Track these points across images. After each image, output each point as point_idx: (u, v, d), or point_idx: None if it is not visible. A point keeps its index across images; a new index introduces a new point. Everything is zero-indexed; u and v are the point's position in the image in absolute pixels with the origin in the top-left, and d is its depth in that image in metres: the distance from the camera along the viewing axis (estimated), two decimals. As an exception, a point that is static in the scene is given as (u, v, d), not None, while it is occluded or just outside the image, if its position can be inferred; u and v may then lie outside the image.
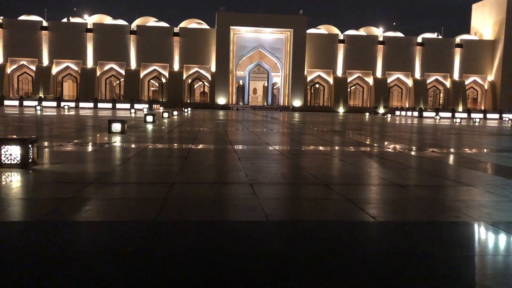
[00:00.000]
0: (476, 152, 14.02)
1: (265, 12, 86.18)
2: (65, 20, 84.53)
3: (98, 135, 16.53)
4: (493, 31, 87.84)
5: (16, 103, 63.58)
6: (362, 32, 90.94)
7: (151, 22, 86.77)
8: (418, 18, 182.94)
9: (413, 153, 13.13)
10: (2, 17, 79.89)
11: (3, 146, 7.73)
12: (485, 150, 14.90)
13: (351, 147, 14.20)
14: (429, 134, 24.21)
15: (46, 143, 12.49)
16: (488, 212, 5.56)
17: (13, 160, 7.75)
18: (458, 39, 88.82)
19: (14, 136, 8.31)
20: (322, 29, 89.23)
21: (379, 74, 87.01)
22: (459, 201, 6.22)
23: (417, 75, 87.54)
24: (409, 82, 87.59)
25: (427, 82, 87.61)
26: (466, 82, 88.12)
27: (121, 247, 3.99)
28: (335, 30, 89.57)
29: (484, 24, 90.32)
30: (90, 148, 12.13)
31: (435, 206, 6.02)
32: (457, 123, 41.70)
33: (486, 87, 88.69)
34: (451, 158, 12.41)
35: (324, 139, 17.49)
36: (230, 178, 7.87)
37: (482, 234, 4.90)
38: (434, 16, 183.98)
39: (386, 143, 16.84)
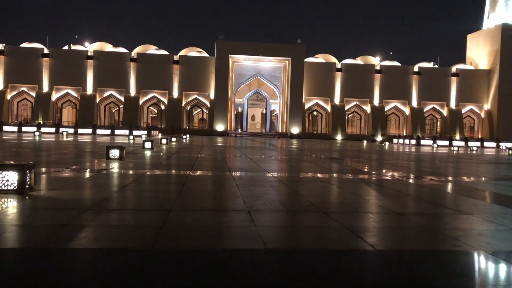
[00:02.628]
0: (474, 181, 14.01)
1: (264, 41, 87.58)
2: (66, 47, 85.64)
3: (96, 161, 16.50)
4: (488, 61, 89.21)
5: (15, 128, 63.74)
6: (359, 61, 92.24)
7: (151, 50, 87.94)
8: (414, 47, 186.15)
9: (411, 181, 13.12)
10: (4, 44, 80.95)
11: (0, 171, 7.71)
12: (483, 179, 14.91)
13: (350, 175, 14.18)
14: (427, 162, 24.24)
15: (43, 169, 12.45)
16: (488, 241, 5.52)
17: (10, 186, 7.71)
18: (454, 69, 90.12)
19: (12, 162, 8.29)
20: (320, 58, 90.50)
21: (376, 102, 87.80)
22: (458, 230, 6.18)
23: (414, 103, 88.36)
24: (406, 110, 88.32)
25: (424, 110, 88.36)
26: (463, 111, 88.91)
27: (116, 275, 3.93)
28: (333, 59, 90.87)
29: (479, 54, 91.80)
30: (87, 174, 12.09)
31: (434, 234, 5.97)
32: (454, 151, 41.81)
33: (482, 115, 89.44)
34: (449, 186, 12.40)
35: (322, 166, 17.48)
36: (228, 205, 7.82)
37: (482, 263, 4.85)
38: (430, 46, 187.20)
39: (384, 170, 16.83)
